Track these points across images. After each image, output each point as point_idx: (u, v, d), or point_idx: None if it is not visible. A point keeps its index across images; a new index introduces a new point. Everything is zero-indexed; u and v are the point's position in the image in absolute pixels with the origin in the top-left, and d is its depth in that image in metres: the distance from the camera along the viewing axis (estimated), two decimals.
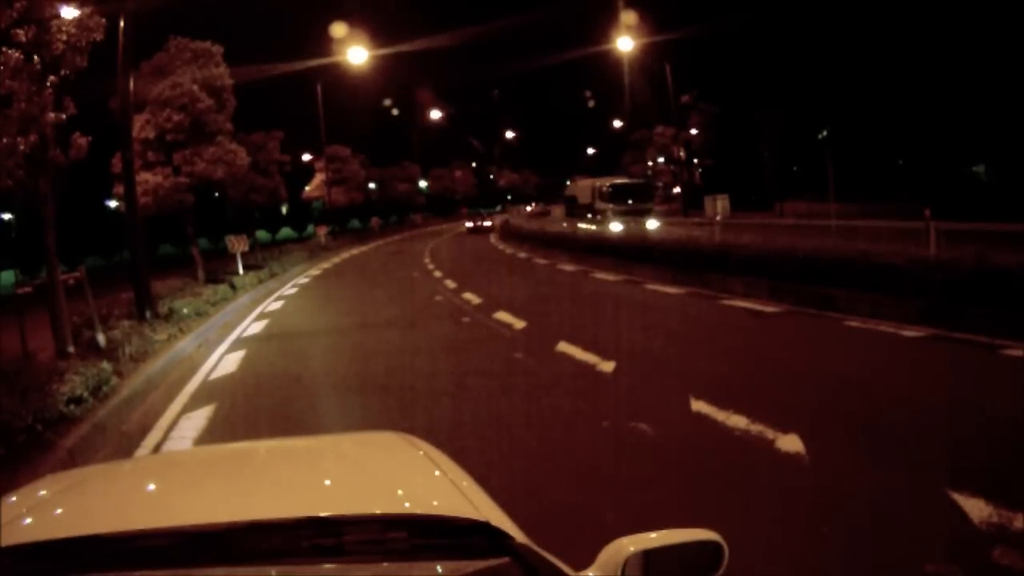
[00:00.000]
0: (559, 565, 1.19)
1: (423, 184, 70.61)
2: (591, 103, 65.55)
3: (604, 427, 5.31)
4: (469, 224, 44.11)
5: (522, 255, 22.97)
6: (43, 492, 1.66)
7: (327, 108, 37.89)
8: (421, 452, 1.86)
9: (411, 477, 1.71)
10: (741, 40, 40.17)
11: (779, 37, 37.92)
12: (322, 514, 1.31)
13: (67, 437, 5.52)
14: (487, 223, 42.14)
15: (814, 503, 3.82)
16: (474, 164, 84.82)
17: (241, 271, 18.40)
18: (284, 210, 61.12)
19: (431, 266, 21.54)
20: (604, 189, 27.26)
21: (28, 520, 1.42)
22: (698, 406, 5.54)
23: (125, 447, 5.78)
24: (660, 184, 42.95)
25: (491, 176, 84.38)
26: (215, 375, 8.29)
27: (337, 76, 36.81)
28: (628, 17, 31.70)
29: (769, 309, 9.74)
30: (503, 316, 10.57)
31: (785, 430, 4.81)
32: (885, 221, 11.71)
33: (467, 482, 1.63)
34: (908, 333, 7.67)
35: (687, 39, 38.61)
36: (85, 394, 6.31)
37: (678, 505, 3.92)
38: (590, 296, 12.90)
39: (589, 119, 77.79)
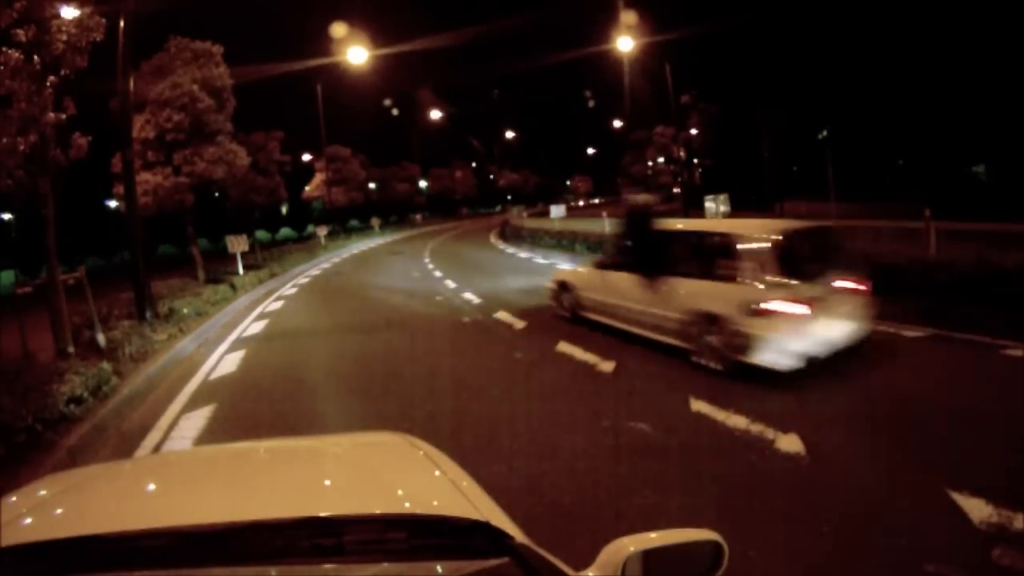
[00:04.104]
0: (559, 565, 1.19)
1: (423, 184, 70.58)
2: (591, 103, 65.66)
3: (604, 427, 5.31)
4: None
5: (523, 255, 22.95)
6: (43, 492, 1.66)
7: (327, 108, 37.89)
8: (421, 452, 1.86)
9: (411, 477, 1.71)
10: (741, 40, 40.23)
11: (779, 37, 37.94)
12: (322, 514, 1.32)
13: (67, 437, 5.53)
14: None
15: (814, 503, 3.82)
16: (474, 164, 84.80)
17: (241, 271, 18.40)
18: (284, 210, 61.13)
19: (431, 266, 21.53)
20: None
21: (28, 520, 1.42)
22: (698, 406, 5.55)
23: (125, 447, 5.78)
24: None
25: (491, 176, 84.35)
26: (215, 375, 8.29)
27: (337, 76, 36.78)
28: (628, 17, 31.65)
29: None
30: (503, 316, 10.56)
31: (785, 430, 4.81)
32: (885, 221, 11.67)
33: (467, 482, 1.63)
34: (908, 333, 7.67)
35: (687, 39, 38.63)
36: (85, 394, 6.32)
37: (678, 505, 3.92)
38: None
39: (589, 119, 78.01)
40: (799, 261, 6.49)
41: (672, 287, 7.32)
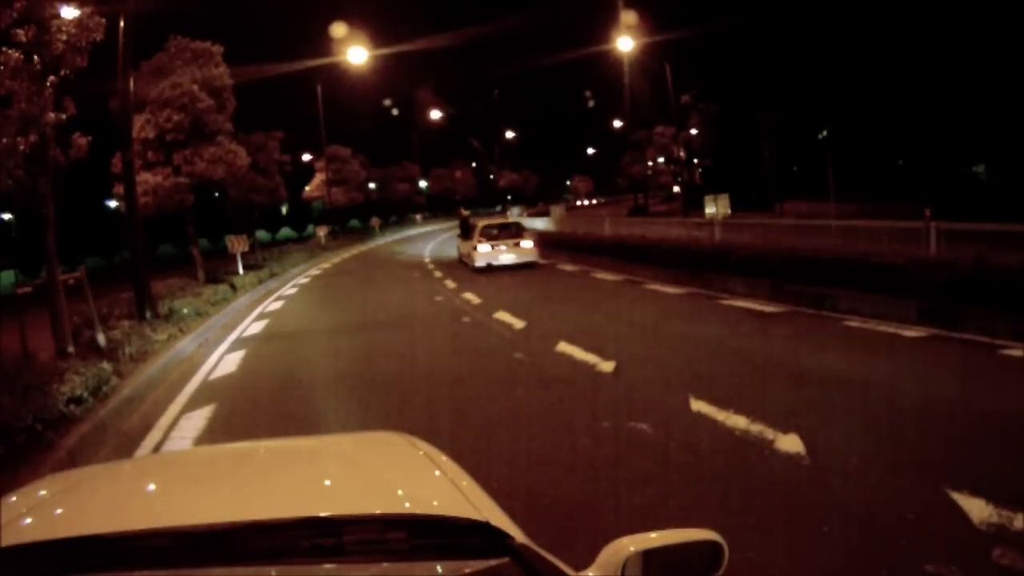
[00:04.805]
0: (559, 565, 1.19)
1: (423, 184, 70.58)
2: (591, 103, 65.56)
3: (604, 427, 5.31)
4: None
5: None
6: (43, 492, 1.66)
7: (327, 108, 37.89)
8: (421, 452, 1.86)
9: (411, 477, 1.71)
10: (741, 40, 40.19)
11: (779, 37, 37.91)
12: (322, 514, 1.31)
13: (67, 437, 5.52)
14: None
15: (814, 503, 3.82)
16: (474, 164, 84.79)
17: (241, 271, 18.41)
18: (284, 210, 61.17)
19: (431, 266, 21.56)
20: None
21: (28, 520, 1.42)
22: (698, 406, 5.54)
23: (125, 447, 5.78)
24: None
25: (491, 176, 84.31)
26: (215, 375, 8.29)
27: (337, 76, 36.83)
28: (628, 17, 31.63)
29: (769, 309, 9.73)
30: (503, 316, 10.57)
31: (785, 430, 4.81)
32: (885, 221, 11.65)
33: (467, 482, 1.63)
34: (908, 333, 7.67)
35: (687, 39, 38.57)
36: (85, 394, 6.31)
37: (678, 505, 3.92)
38: (590, 296, 12.89)
39: (589, 119, 77.85)
40: (490, 232, 18.10)
41: (466, 243, 19.28)
